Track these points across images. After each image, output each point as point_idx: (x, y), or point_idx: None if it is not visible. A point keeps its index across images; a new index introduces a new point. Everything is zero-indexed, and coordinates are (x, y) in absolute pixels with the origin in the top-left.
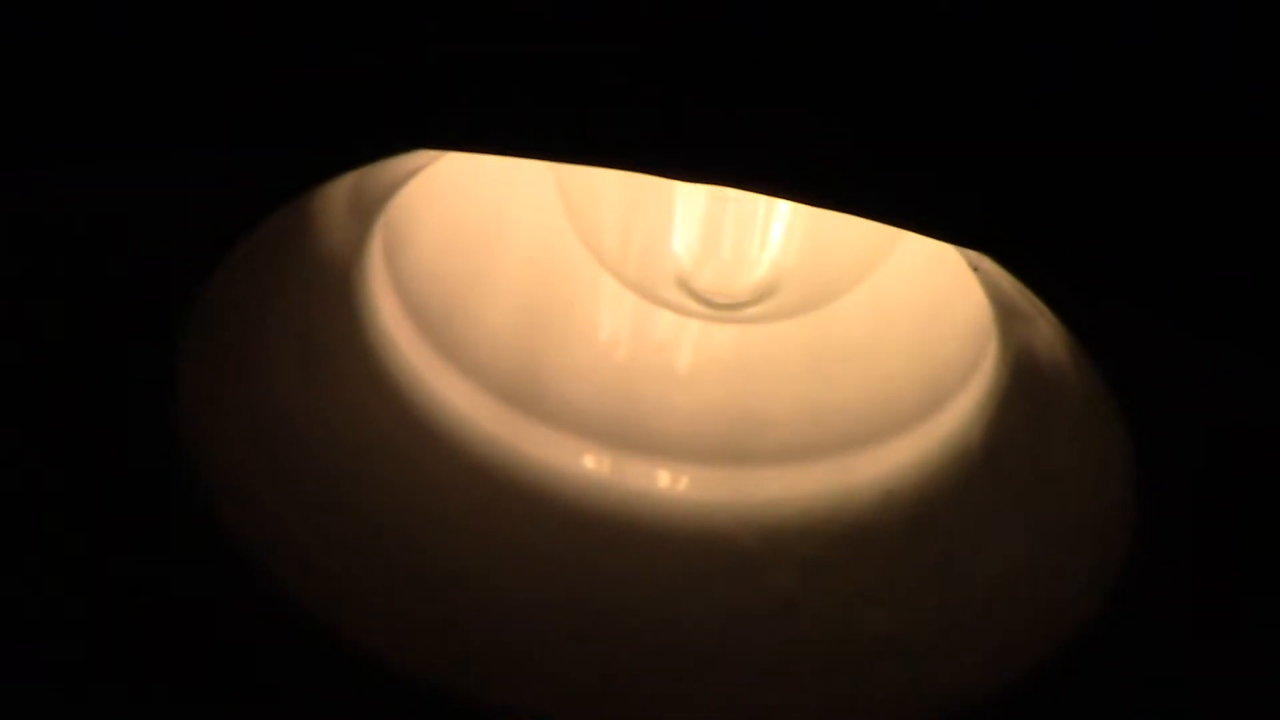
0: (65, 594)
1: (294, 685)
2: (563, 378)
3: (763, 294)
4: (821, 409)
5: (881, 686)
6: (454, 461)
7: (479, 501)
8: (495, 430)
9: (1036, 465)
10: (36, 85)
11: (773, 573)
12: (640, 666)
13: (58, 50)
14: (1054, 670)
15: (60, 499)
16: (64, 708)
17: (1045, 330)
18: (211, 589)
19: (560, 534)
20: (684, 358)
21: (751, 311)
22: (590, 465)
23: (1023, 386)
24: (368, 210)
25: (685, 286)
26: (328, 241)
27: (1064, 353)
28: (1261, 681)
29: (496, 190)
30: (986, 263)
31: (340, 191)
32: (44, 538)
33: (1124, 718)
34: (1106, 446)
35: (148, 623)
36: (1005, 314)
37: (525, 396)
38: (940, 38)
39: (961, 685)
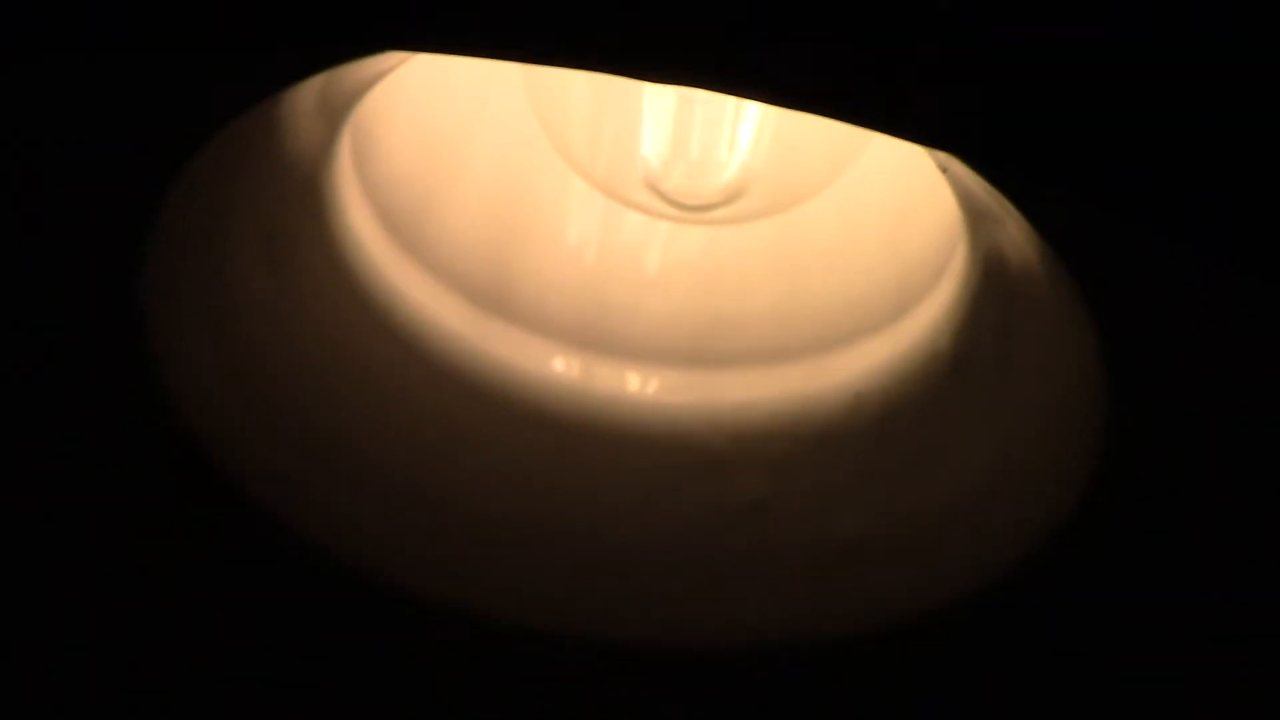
0: (23, 495)
1: (254, 588)
2: (532, 280)
3: (731, 196)
4: (790, 312)
5: (850, 590)
6: (422, 363)
7: (447, 403)
8: (463, 332)
9: (1006, 369)
10: None
11: (742, 475)
12: (609, 569)
13: None
14: (1024, 576)
15: (23, 400)
16: (20, 613)
17: (1014, 233)
18: (174, 491)
19: (529, 436)
20: (653, 260)
21: (720, 214)
22: (559, 368)
23: (992, 289)
24: (336, 112)
25: (654, 188)
26: (296, 144)
27: (1033, 255)
28: (1232, 585)
29: (465, 93)
30: (955, 164)
31: (308, 94)
32: (2, 440)
33: (1096, 623)
34: (1076, 350)
35: (105, 523)
36: (974, 216)
37: (494, 299)
38: None
39: (931, 590)
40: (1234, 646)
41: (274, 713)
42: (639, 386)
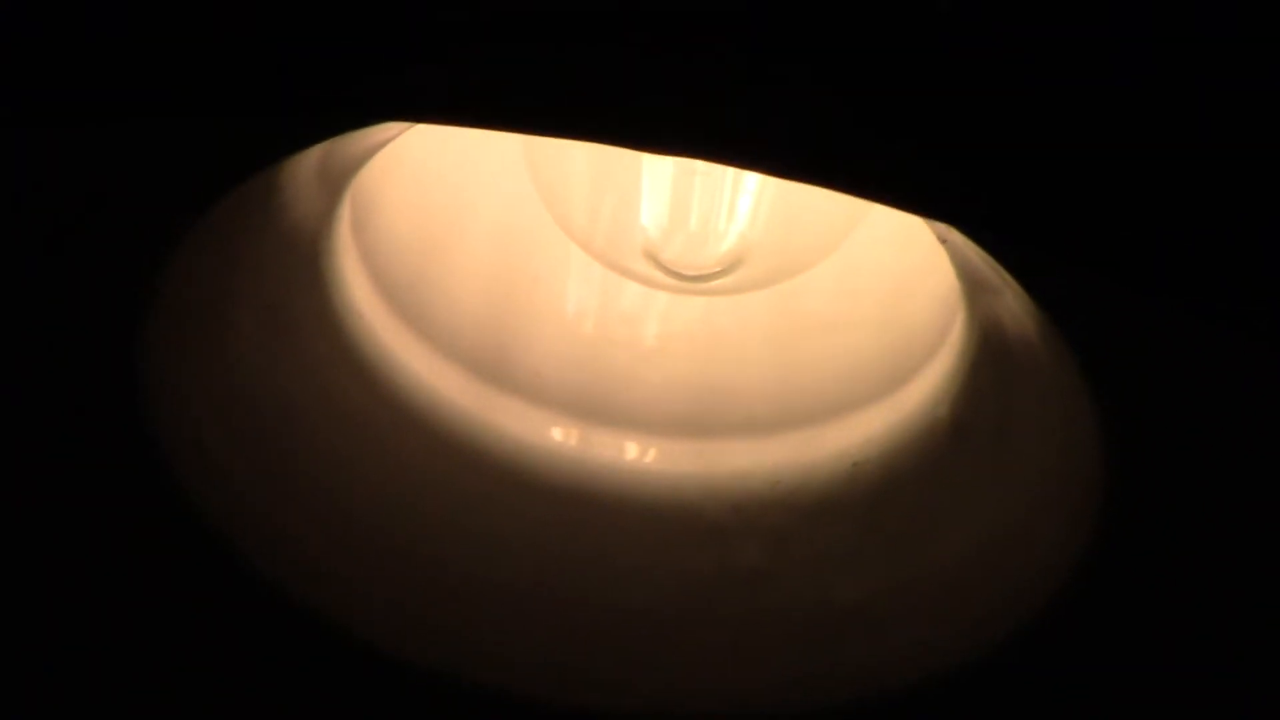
0: (26, 558)
1: (254, 657)
2: (530, 350)
3: (730, 266)
4: (789, 381)
5: (850, 658)
6: (421, 433)
7: (446, 474)
8: (462, 402)
9: (1004, 438)
10: (3, 55)
11: (740, 544)
12: (608, 639)
13: (24, 18)
14: (1023, 642)
15: (24, 466)
16: (16, 667)
17: (1013, 303)
18: (175, 562)
19: (528, 506)
20: (651, 330)
21: (719, 284)
22: (558, 437)
23: (990, 359)
24: (336, 182)
25: (653, 258)
26: (295, 213)
27: (1031, 326)
28: (1230, 656)
29: (464, 162)
30: (954, 235)
31: (308, 163)
32: (4, 503)
33: (1094, 690)
34: (1074, 419)
35: (108, 594)
36: (973, 287)
37: (493, 368)
38: (909, 14)
39: (930, 657)
40: (1233, 709)
41: None
42: (637, 456)
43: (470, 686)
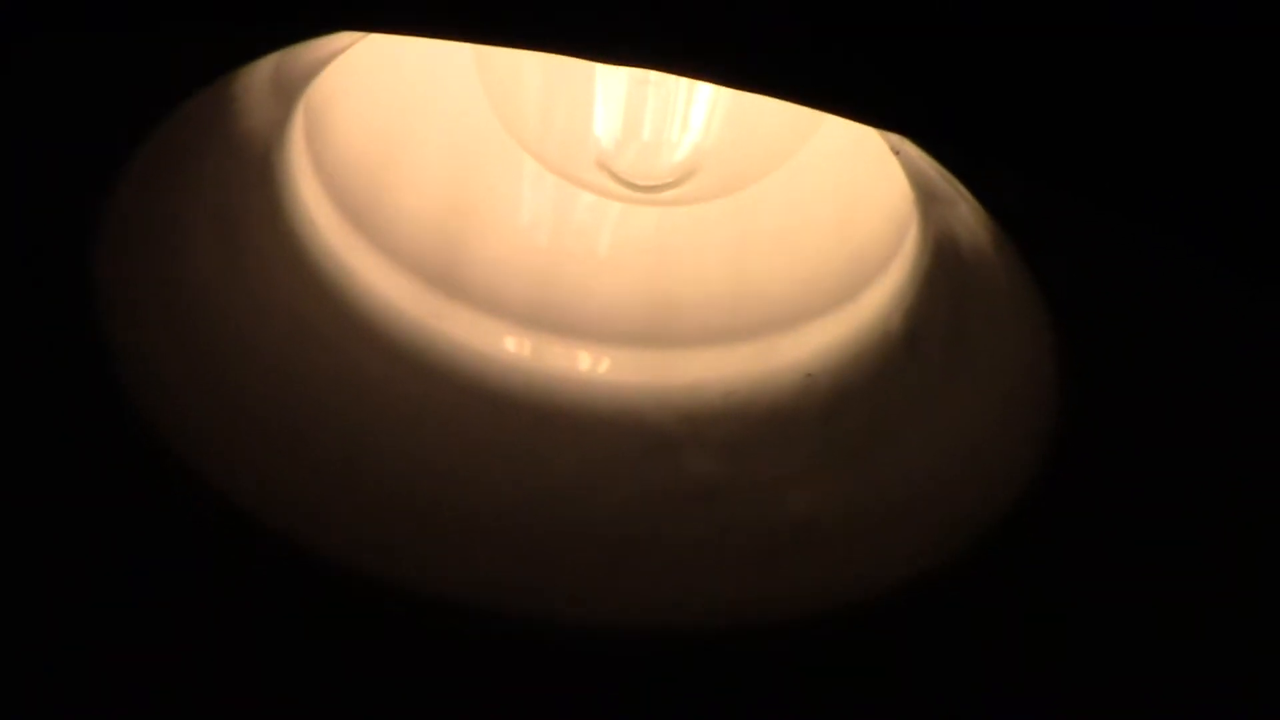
0: None
1: (208, 568)
2: (483, 260)
3: (683, 176)
4: (742, 292)
5: (803, 571)
6: (374, 344)
7: (399, 384)
8: (415, 312)
9: (958, 349)
10: None
11: (693, 455)
12: (560, 550)
13: None
14: (978, 555)
15: None
16: None
17: (966, 214)
18: (126, 473)
19: (480, 416)
20: (605, 241)
21: (672, 194)
22: (511, 348)
23: (944, 271)
24: (288, 93)
25: (606, 168)
26: (248, 124)
27: (985, 237)
28: (1183, 564)
29: (417, 73)
30: (907, 146)
31: (261, 73)
32: None
33: (1051, 601)
34: (1028, 330)
35: (55, 502)
36: (926, 197)
37: (446, 278)
38: None
39: (885, 570)
40: (1184, 627)
41: (220, 690)
42: (590, 366)
43: (421, 598)
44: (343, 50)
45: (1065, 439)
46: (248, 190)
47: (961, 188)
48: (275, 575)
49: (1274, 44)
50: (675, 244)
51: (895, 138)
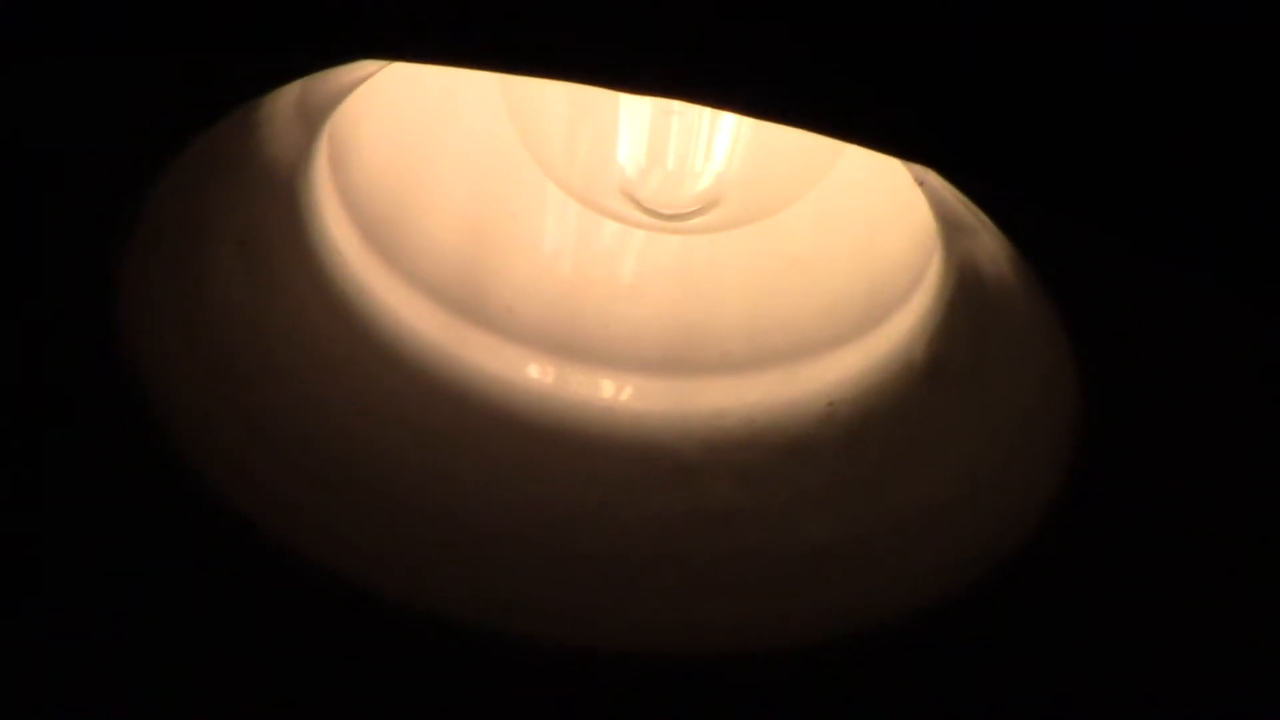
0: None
1: (227, 587)
2: (508, 287)
3: (707, 205)
4: (764, 320)
5: (821, 597)
6: (398, 370)
7: (423, 410)
8: (440, 339)
9: (980, 379)
10: None
11: (714, 482)
12: (581, 576)
13: None
14: (995, 585)
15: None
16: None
17: (989, 244)
18: (148, 495)
19: (503, 443)
20: (628, 268)
21: (695, 222)
22: (534, 375)
23: (966, 300)
24: (314, 119)
25: (630, 197)
26: (273, 150)
27: (1008, 267)
28: (1201, 590)
29: (442, 100)
30: (931, 176)
31: (286, 100)
32: None
33: (1068, 630)
34: (1050, 361)
35: (83, 530)
36: (949, 228)
37: (470, 305)
38: None
39: (903, 598)
40: (1202, 650)
41: (230, 708)
42: (612, 394)
43: (441, 621)
44: (368, 77)
45: (1085, 467)
46: (272, 215)
47: (984, 217)
48: (295, 595)
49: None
50: (698, 272)
51: (919, 168)
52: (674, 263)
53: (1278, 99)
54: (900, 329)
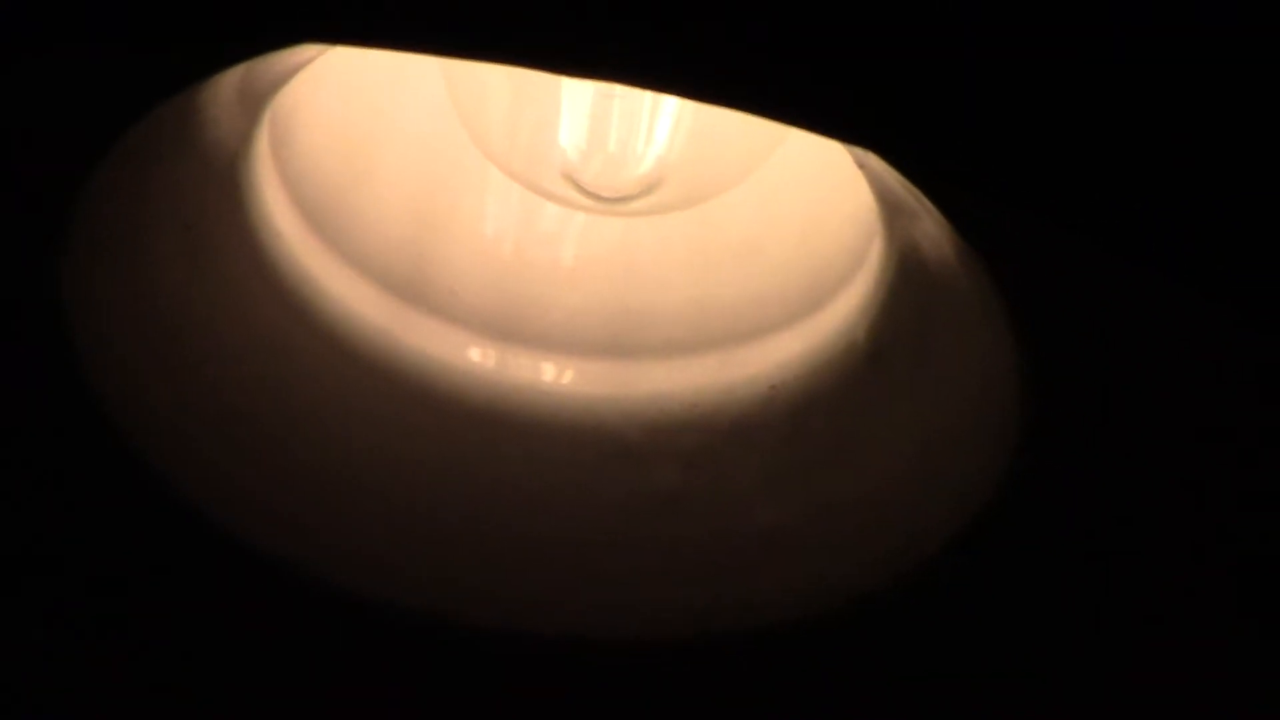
0: None
1: (172, 572)
2: (449, 270)
3: (648, 188)
4: (706, 304)
5: (764, 580)
6: (340, 353)
7: (364, 393)
8: (381, 322)
9: (922, 362)
10: None
11: (656, 466)
12: (523, 559)
13: None
14: (941, 566)
15: None
16: None
17: (931, 227)
18: (93, 480)
19: (444, 426)
20: (569, 251)
21: (637, 205)
22: (475, 358)
23: (908, 283)
24: (255, 103)
25: (571, 180)
26: (214, 134)
27: (949, 250)
28: (1145, 568)
29: (384, 85)
30: (872, 160)
31: (227, 85)
32: None
33: (1011, 611)
34: (991, 344)
35: (23, 514)
36: (891, 211)
37: (411, 289)
38: None
39: (847, 581)
40: (1149, 627)
41: (176, 692)
42: (554, 377)
43: (383, 605)
44: (309, 61)
45: (1028, 449)
46: (214, 200)
47: (925, 201)
48: (240, 581)
49: (1230, 64)
50: (640, 255)
51: (860, 151)
52: (616, 246)
53: (1216, 83)
54: (842, 312)
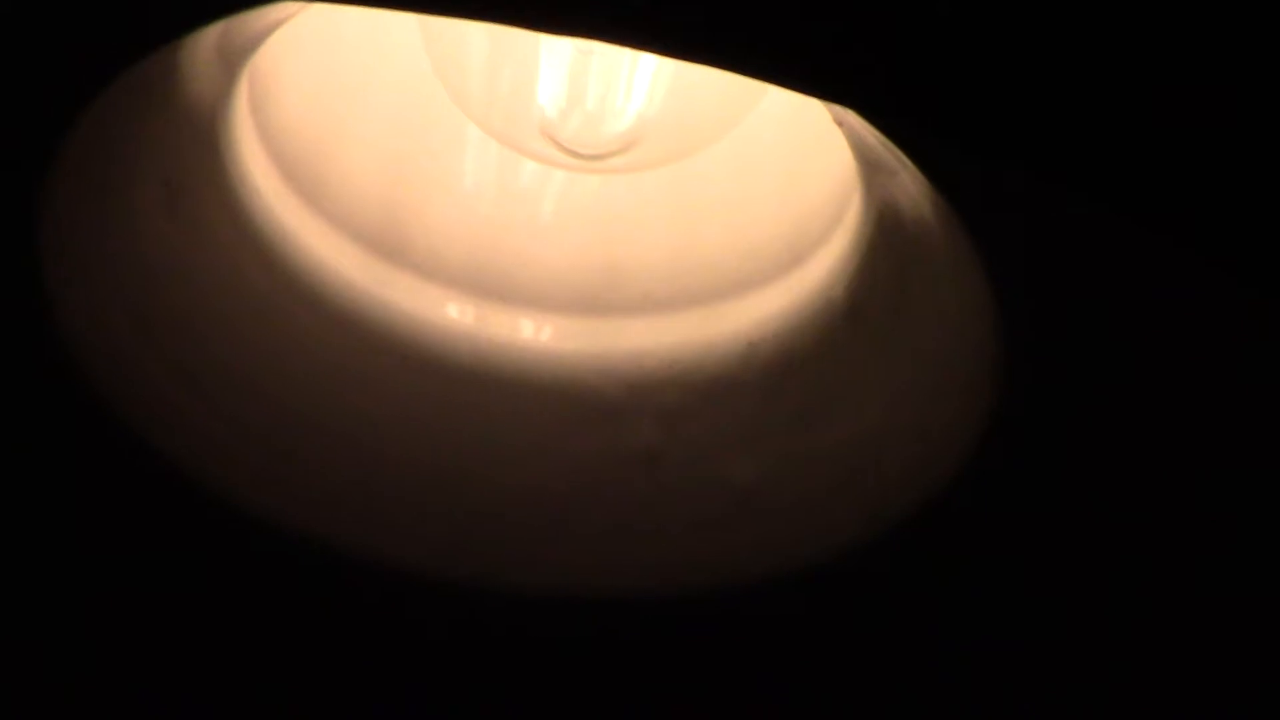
0: None
1: (150, 530)
2: (427, 227)
3: (627, 145)
4: (685, 260)
5: (745, 537)
6: (318, 310)
7: (342, 349)
8: (359, 279)
9: (900, 319)
10: None
11: (636, 422)
12: (502, 515)
13: None
14: (919, 524)
15: None
16: None
17: (909, 185)
18: (71, 437)
19: (423, 383)
20: (548, 208)
21: (616, 162)
22: (454, 314)
23: (887, 241)
24: (234, 60)
25: (550, 137)
26: (194, 91)
27: (928, 207)
28: (1124, 529)
29: (362, 41)
30: (851, 117)
31: (207, 41)
32: None
33: (991, 568)
34: (970, 301)
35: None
36: (869, 168)
37: (390, 245)
38: None
39: (825, 537)
40: (1125, 590)
41: (153, 647)
42: (533, 334)
43: (361, 562)
44: (288, 18)
45: (1006, 407)
46: (192, 157)
47: (904, 158)
48: (217, 538)
49: (1205, 20)
50: (619, 212)
51: (839, 108)
52: (595, 203)
53: (1190, 37)
54: (820, 269)
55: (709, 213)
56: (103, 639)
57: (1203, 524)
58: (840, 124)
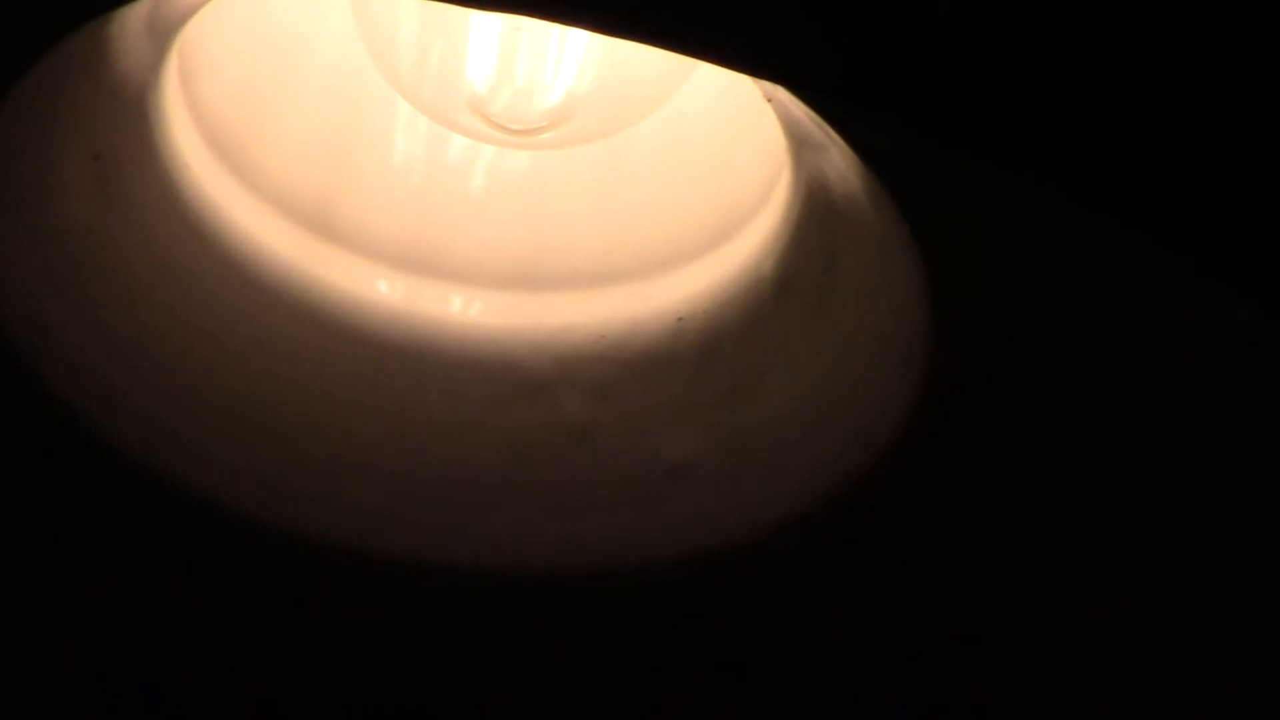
0: None
1: (81, 505)
2: (356, 202)
3: (557, 120)
4: (614, 235)
5: (675, 512)
6: (248, 285)
7: (272, 325)
8: (289, 254)
9: (830, 294)
10: None
11: (565, 398)
12: (432, 492)
13: None
14: (850, 498)
15: None
16: None
17: (839, 161)
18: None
19: (353, 358)
20: (478, 183)
21: (545, 137)
22: (383, 290)
23: (816, 216)
24: (164, 34)
25: (479, 112)
26: (123, 65)
27: (857, 183)
28: (1052, 505)
29: (292, 16)
30: (780, 93)
31: (136, 15)
32: None
33: (919, 543)
34: (900, 276)
35: None
36: (799, 144)
37: (319, 221)
38: None
39: (756, 511)
40: (1059, 559)
41: (79, 620)
42: (462, 309)
43: (291, 537)
44: None
45: (935, 382)
46: (122, 133)
47: (834, 134)
48: (147, 512)
49: None
50: (548, 188)
51: (768, 85)
52: (524, 178)
53: (1130, 14)
54: (750, 245)
55: (638, 188)
56: (14, 600)
57: (1135, 491)
58: (770, 100)
